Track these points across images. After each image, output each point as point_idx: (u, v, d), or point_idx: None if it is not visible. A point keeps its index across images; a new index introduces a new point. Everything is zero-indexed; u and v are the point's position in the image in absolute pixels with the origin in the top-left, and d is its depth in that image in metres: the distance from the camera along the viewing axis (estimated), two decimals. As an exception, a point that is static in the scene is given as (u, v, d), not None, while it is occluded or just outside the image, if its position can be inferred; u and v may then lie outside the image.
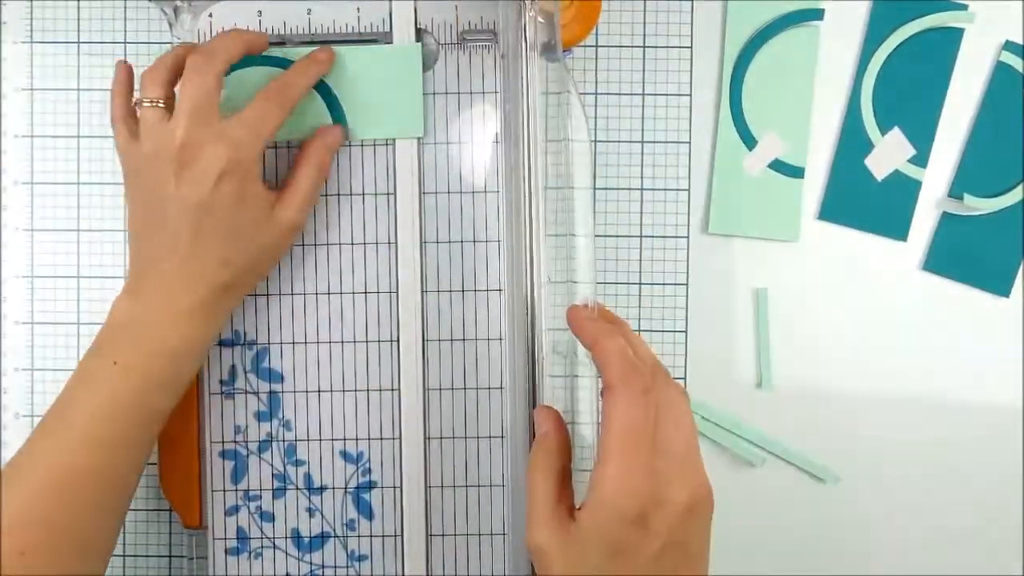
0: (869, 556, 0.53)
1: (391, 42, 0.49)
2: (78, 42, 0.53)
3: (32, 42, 0.53)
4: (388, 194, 0.49)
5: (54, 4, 0.53)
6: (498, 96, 0.49)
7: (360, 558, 0.50)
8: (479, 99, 0.49)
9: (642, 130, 0.53)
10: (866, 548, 0.53)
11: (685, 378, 0.53)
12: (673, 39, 0.53)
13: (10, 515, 0.40)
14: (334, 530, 0.50)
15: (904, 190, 0.53)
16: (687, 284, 0.53)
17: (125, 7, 0.53)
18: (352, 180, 0.49)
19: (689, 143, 0.53)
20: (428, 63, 0.49)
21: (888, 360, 0.53)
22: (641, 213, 0.53)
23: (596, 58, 0.53)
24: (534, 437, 0.42)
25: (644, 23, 0.53)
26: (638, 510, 0.36)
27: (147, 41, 0.53)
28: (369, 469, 0.50)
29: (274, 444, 0.50)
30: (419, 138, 0.49)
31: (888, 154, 0.53)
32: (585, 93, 0.52)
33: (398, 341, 0.49)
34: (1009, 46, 0.52)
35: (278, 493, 0.50)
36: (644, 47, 0.53)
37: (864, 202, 0.53)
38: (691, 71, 0.53)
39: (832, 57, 0.52)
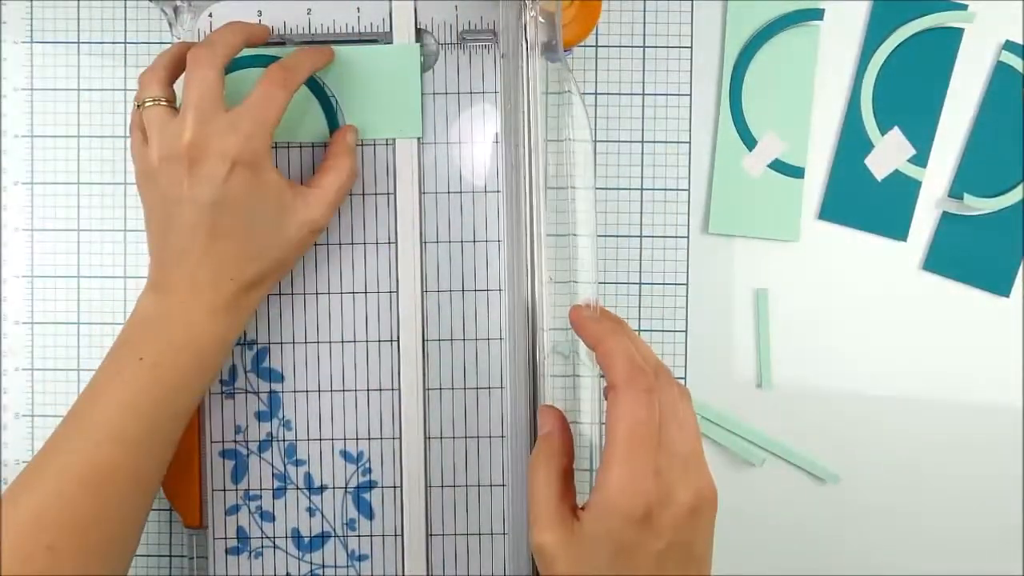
0: (869, 556, 0.53)
1: (391, 42, 0.49)
2: (78, 42, 0.53)
3: (32, 42, 0.53)
4: (388, 194, 0.49)
5: (54, 4, 0.53)
6: (498, 96, 0.49)
7: (360, 558, 0.50)
8: (479, 99, 0.49)
9: (642, 130, 0.53)
10: (866, 548, 0.53)
11: (685, 378, 0.53)
12: (673, 39, 0.53)
13: (37, 510, 0.40)
14: (334, 530, 0.50)
15: (904, 190, 0.53)
16: (687, 284, 0.53)
17: (125, 7, 0.53)
18: (352, 180, 0.49)
19: (689, 143, 0.53)
20: (428, 63, 0.49)
21: (888, 360, 0.53)
22: (641, 213, 0.53)
23: (596, 58, 0.53)
24: (536, 437, 0.42)
25: (644, 23, 0.53)
26: (643, 510, 0.36)
27: (147, 41, 0.53)
28: (369, 469, 0.49)
29: (274, 444, 0.49)
30: (418, 138, 0.49)
31: (888, 154, 0.53)
32: (585, 93, 0.52)
33: (398, 341, 0.49)
34: (1009, 46, 0.52)
35: (278, 493, 0.50)
36: (644, 47, 0.53)
37: (864, 202, 0.53)
38: (691, 71, 0.53)
39: (832, 57, 0.53)
